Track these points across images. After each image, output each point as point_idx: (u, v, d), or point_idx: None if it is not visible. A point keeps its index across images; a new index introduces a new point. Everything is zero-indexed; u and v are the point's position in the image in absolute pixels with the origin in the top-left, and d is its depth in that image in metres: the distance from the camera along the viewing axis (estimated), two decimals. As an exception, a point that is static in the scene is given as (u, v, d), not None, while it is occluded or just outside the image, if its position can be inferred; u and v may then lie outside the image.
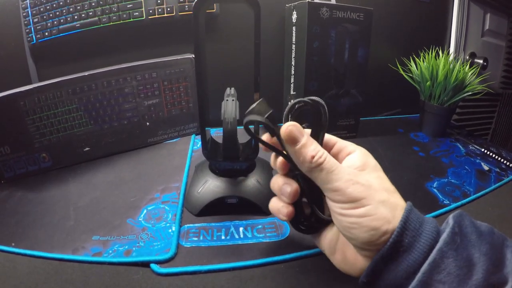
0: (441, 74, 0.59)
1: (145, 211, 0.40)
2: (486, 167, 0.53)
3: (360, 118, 0.63)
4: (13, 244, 0.34)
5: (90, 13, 0.58)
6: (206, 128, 0.40)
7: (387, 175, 0.26)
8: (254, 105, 0.25)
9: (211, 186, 0.39)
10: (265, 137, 0.27)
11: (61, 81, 0.49)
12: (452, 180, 0.48)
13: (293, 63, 0.61)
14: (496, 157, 0.56)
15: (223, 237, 0.36)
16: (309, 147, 0.25)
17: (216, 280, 0.30)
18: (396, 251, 0.22)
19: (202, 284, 0.29)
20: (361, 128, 0.64)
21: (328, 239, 0.28)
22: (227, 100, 0.38)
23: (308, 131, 0.27)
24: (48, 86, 0.48)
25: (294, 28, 0.58)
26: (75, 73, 0.51)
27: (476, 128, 0.94)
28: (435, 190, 0.46)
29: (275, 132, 0.26)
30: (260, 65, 0.36)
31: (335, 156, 0.28)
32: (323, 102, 0.25)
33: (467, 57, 0.80)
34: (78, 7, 0.58)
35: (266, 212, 0.39)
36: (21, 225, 0.37)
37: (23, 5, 0.58)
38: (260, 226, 0.37)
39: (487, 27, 0.83)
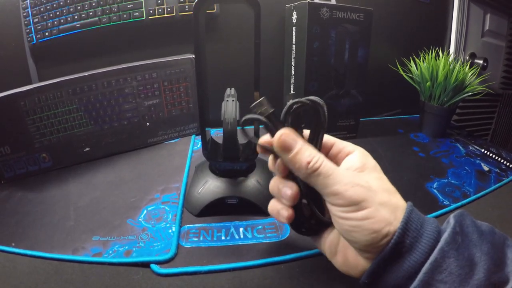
0: (441, 74, 0.59)
1: (145, 211, 0.40)
2: (486, 168, 0.53)
3: (360, 119, 0.63)
4: (13, 244, 0.34)
5: (90, 13, 0.58)
6: (206, 129, 0.40)
7: (387, 175, 0.26)
8: (254, 103, 0.25)
9: (211, 186, 0.39)
10: (265, 138, 0.27)
11: (61, 81, 0.49)
12: (452, 181, 0.48)
13: (293, 63, 0.61)
14: (496, 157, 0.56)
15: (223, 238, 0.36)
16: (304, 154, 0.24)
17: (216, 280, 0.30)
18: (398, 252, 0.22)
19: (202, 285, 0.29)
20: (361, 129, 0.64)
21: (328, 241, 0.27)
22: (227, 100, 0.38)
23: (307, 132, 0.27)
24: (48, 86, 0.48)
25: (294, 29, 0.58)
26: (75, 73, 0.51)
27: (476, 128, 0.94)
28: (435, 190, 0.46)
29: (275, 132, 0.25)
30: (260, 64, 0.36)
31: (334, 157, 0.28)
32: (322, 102, 0.25)
33: (467, 58, 0.80)
34: (78, 7, 0.58)
35: (266, 213, 0.38)
36: (21, 225, 0.37)
37: (23, 5, 0.58)
38: (260, 227, 0.37)
39: (487, 27, 0.83)
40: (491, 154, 0.57)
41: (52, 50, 0.61)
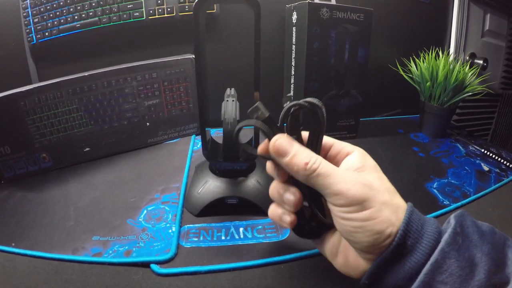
0: (441, 74, 0.59)
1: (145, 211, 0.40)
2: (486, 168, 0.53)
3: (360, 119, 0.63)
4: (13, 244, 0.34)
5: (91, 13, 0.58)
6: (206, 129, 0.40)
7: (387, 175, 0.26)
8: (250, 109, 0.24)
9: (211, 186, 0.39)
10: (263, 146, 0.26)
11: (61, 81, 0.49)
12: (452, 181, 0.48)
13: (293, 63, 0.61)
14: (496, 157, 0.56)
15: (223, 238, 0.36)
16: (301, 156, 0.24)
17: (216, 280, 0.30)
18: (399, 254, 0.22)
19: (202, 285, 0.29)
20: (361, 129, 0.64)
21: (329, 243, 0.27)
22: (227, 100, 0.38)
23: (306, 134, 0.26)
24: (48, 86, 0.48)
25: (294, 29, 0.58)
26: (75, 73, 0.51)
27: (476, 128, 0.94)
28: (435, 190, 0.46)
29: (272, 137, 0.25)
30: (260, 65, 0.36)
31: (333, 158, 0.27)
32: (320, 104, 0.24)
33: (467, 58, 0.80)
34: (78, 7, 0.58)
35: (266, 213, 0.38)
36: (21, 225, 0.37)
37: (24, 5, 0.58)
38: (260, 227, 0.37)
39: (487, 27, 0.83)
40: (491, 154, 0.57)
41: (52, 50, 0.61)
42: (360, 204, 0.22)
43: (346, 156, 0.27)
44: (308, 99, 0.24)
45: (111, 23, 0.59)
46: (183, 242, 0.35)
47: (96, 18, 0.58)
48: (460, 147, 0.61)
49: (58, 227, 0.37)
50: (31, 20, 0.59)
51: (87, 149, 0.53)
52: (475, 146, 0.61)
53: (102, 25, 0.59)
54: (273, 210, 0.28)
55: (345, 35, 0.56)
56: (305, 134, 0.26)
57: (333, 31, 0.55)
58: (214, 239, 0.35)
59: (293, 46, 0.60)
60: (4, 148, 0.47)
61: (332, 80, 0.58)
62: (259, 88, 0.37)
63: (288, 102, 0.25)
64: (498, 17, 0.84)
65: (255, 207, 0.38)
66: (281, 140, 0.24)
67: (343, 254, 0.26)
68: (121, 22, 0.59)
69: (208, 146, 0.40)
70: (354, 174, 0.24)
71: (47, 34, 0.59)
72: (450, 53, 0.78)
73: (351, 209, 0.23)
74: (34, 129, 0.48)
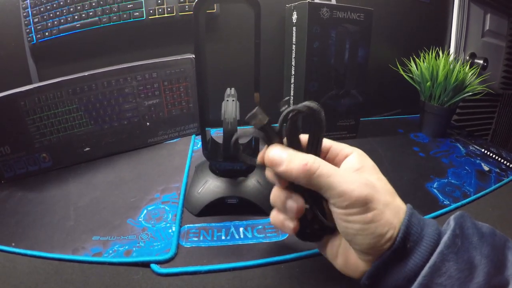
0: (441, 74, 0.59)
1: (145, 211, 0.40)
2: (486, 168, 0.53)
3: (360, 119, 0.63)
4: (13, 244, 0.34)
5: (91, 13, 0.58)
6: (206, 129, 0.40)
7: (387, 175, 0.26)
8: (249, 114, 0.24)
9: (211, 186, 0.39)
10: (262, 155, 0.26)
11: (61, 81, 0.49)
12: (452, 181, 0.48)
13: (293, 63, 0.61)
14: (496, 157, 0.56)
15: (223, 237, 0.36)
16: (296, 160, 0.24)
17: (216, 280, 0.30)
18: (398, 256, 0.22)
19: (202, 284, 0.29)
20: (361, 129, 0.64)
21: (330, 244, 0.27)
22: (227, 100, 0.38)
23: (305, 137, 0.26)
24: (48, 86, 0.48)
25: (294, 29, 0.58)
26: (75, 73, 0.51)
27: (476, 128, 0.94)
28: (435, 190, 0.46)
29: (271, 144, 0.25)
30: (260, 65, 0.36)
31: (332, 160, 0.27)
32: (319, 108, 0.24)
33: (467, 58, 0.80)
34: (79, 7, 0.58)
35: (266, 213, 0.39)
36: (21, 225, 0.37)
37: (24, 5, 0.58)
38: (260, 227, 0.37)
39: (487, 27, 0.83)
40: (491, 154, 0.57)
41: (52, 50, 0.61)
42: (364, 206, 0.22)
43: (345, 158, 0.27)
44: (306, 103, 0.24)
45: (111, 23, 0.59)
46: (183, 242, 0.35)
47: (96, 18, 0.58)
48: (460, 147, 0.61)
49: (58, 227, 0.37)
50: (31, 20, 0.58)
51: (87, 149, 0.53)
52: (475, 146, 0.61)
53: (102, 25, 0.59)
54: (275, 216, 0.27)
55: (345, 35, 0.56)
56: (304, 138, 0.26)
57: (333, 31, 0.55)
58: (214, 239, 0.35)
59: (293, 46, 0.60)
60: (4, 148, 0.47)
61: (332, 80, 0.58)
62: (259, 89, 0.37)
63: (285, 106, 0.24)
64: (498, 17, 0.84)
65: (255, 207, 0.38)
66: (273, 152, 0.24)
67: (343, 255, 0.26)
68: (121, 22, 0.59)
69: (208, 146, 0.40)
70: (356, 175, 0.24)
71: (47, 34, 0.59)
72: (450, 53, 0.78)
73: (354, 210, 0.22)
74: (34, 129, 0.48)
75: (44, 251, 0.33)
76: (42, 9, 0.58)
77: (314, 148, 0.25)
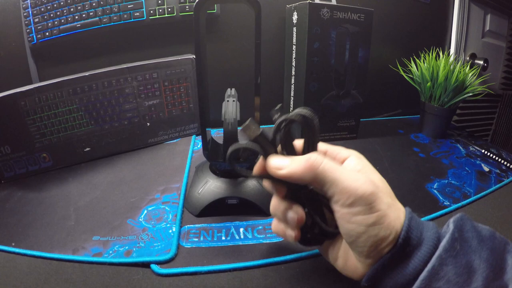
0: (441, 75, 0.59)
1: (145, 211, 0.40)
2: (486, 168, 0.53)
3: (361, 119, 0.63)
4: (13, 244, 0.34)
5: (91, 13, 0.58)
6: (207, 129, 0.40)
7: (387, 176, 0.26)
8: (242, 126, 0.24)
9: (211, 186, 0.39)
10: (258, 168, 0.26)
11: (61, 81, 0.49)
12: (452, 181, 0.48)
13: (293, 63, 0.61)
14: (497, 158, 0.56)
15: (223, 238, 0.36)
16: (299, 159, 0.24)
17: (216, 280, 0.30)
18: (397, 260, 0.22)
19: (203, 285, 0.29)
20: (362, 129, 0.64)
21: (330, 247, 0.28)
22: (227, 100, 0.38)
23: (299, 142, 0.26)
24: (48, 86, 0.48)
25: (294, 29, 0.58)
26: (75, 73, 0.51)
27: (477, 129, 0.94)
28: (435, 191, 0.46)
29: (266, 156, 0.25)
30: (261, 67, 0.36)
31: None
32: (312, 115, 0.24)
33: (468, 58, 0.80)
34: (79, 7, 0.58)
35: (267, 213, 0.39)
36: (21, 225, 0.37)
37: (24, 5, 0.58)
38: (260, 227, 0.37)
39: (487, 28, 0.83)
40: (491, 155, 0.57)
41: (52, 50, 0.61)
42: (368, 204, 0.22)
43: (343, 161, 0.27)
44: (299, 110, 0.24)
45: (112, 23, 0.59)
46: (183, 242, 0.35)
47: (97, 18, 0.58)
48: (461, 148, 0.61)
49: (58, 227, 0.37)
50: (31, 20, 0.59)
51: (88, 149, 0.53)
52: (476, 147, 0.61)
53: (102, 25, 0.59)
54: (276, 225, 0.28)
55: (346, 36, 0.56)
56: (299, 143, 0.26)
57: (334, 32, 0.55)
58: (215, 240, 0.35)
59: (294, 46, 0.60)
60: (4, 148, 0.47)
61: (333, 81, 0.58)
62: (259, 93, 0.37)
63: (278, 114, 0.24)
64: (498, 17, 0.84)
65: (255, 207, 0.38)
66: (274, 159, 0.25)
67: (343, 258, 0.26)
68: (122, 22, 0.59)
69: (209, 146, 0.40)
70: (361, 173, 0.24)
71: (47, 34, 0.59)
72: (451, 53, 0.78)
73: (358, 209, 0.22)
74: (34, 129, 0.48)
75: (44, 251, 0.33)
76: (42, 9, 0.58)
77: (309, 151, 0.25)
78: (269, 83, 0.68)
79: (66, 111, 0.50)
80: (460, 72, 0.59)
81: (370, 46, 0.58)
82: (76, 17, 0.58)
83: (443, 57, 0.62)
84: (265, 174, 0.26)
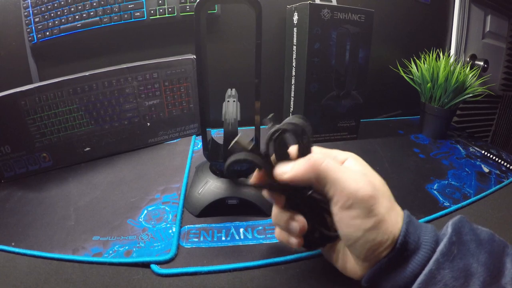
0: (441, 76, 0.59)
1: (145, 211, 0.40)
2: (486, 169, 0.53)
3: (361, 120, 0.63)
4: (13, 244, 0.34)
5: (91, 13, 0.58)
6: (207, 129, 0.40)
7: (387, 176, 0.26)
8: (231, 144, 0.25)
9: (211, 187, 0.39)
10: (255, 178, 0.27)
11: (62, 81, 0.49)
12: (452, 182, 0.48)
13: (294, 64, 0.61)
14: (497, 159, 0.56)
15: (223, 238, 0.36)
16: (300, 160, 0.24)
17: (216, 281, 0.30)
18: (394, 264, 0.22)
19: (203, 285, 0.29)
20: (362, 130, 0.64)
21: (331, 249, 0.28)
22: (228, 101, 0.38)
23: (294, 149, 0.26)
24: (49, 86, 0.48)
25: (295, 29, 0.58)
26: (76, 73, 0.51)
27: (477, 130, 0.94)
28: (435, 192, 0.46)
29: (262, 166, 0.25)
30: (261, 69, 0.35)
31: None
32: (304, 122, 0.24)
33: (468, 59, 0.80)
34: (79, 7, 0.58)
35: (267, 213, 0.39)
36: (21, 225, 0.37)
37: (24, 5, 0.58)
38: (260, 227, 0.37)
39: (487, 29, 0.83)
40: (491, 156, 0.57)
41: (53, 50, 0.61)
42: (367, 207, 0.22)
43: (341, 164, 0.27)
44: (290, 119, 0.24)
45: (112, 23, 0.59)
46: (183, 243, 0.35)
47: (97, 18, 0.58)
48: (461, 149, 0.61)
49: (58, 227, 0.37)
50: (32, 20, 0.59)
51: (88, 149, 0.53)
52: (476, 148, 0.61)
53: (103, 25, 0.59)
54: (280, 233, 0.28)
55: (346, 36, 0.56)
56: (293, 150, 0.26)
57: (334, 32, 0.55)
58: (215, 240, 0.35)
59: (294, 47, 0.60)
60: (4, 148, 0.47)
61: (333, 81, 0.58)
62: (259, 97, 0.36)
63: (270, 124, 0.25)
64: (498, 18, 0.84)
65: (255, 207, 0.38)
66: (277, 168, 0.25)
67: (342, 259, 0.27)
68: (122, 22, 0.59)
69: (209, 147, 0.40)
70: (361, 174, 0.24)
71: (48, 33, 0.59)
72: (451, 54, 0.78)
73: (357, 212, 0.22)
74: (34, 128, 0.48)
75: (44, 251, 0.33)
76: (43, 9, 0.58)
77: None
78: (269, 84, 0.68)
79: (66, 111, 0.50)
80: (460, 73, 0.59)
81: (371, 47, 0.58)
82: (77, 17, 0.58)
83: (443, 58, 0.62)
84: (262, 184, 0.26)
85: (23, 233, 0.36)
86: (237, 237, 0.36)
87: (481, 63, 0.77)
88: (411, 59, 0.66)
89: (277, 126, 0.24)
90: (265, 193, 0.27)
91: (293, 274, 0.31)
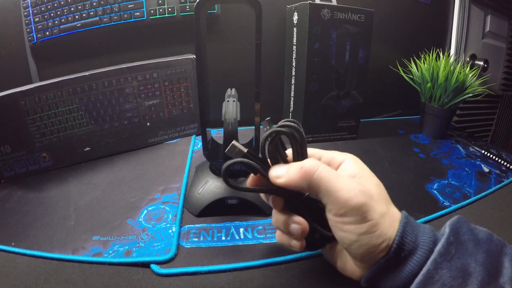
0: (441, 75, 0.59)
1: (145, 211, 0.40)
2: (486, 169, 0.53)
3: (361, 120, 0.63)
4: (13, 244, 0.34)
5: (91, 13, 0.58)
6: (207, 129, 0.40)
7: (387, 176, 0.26)
8: (227, 149, 0.25)
9: (211, 186, 0.39)
10: (250, 179, 0.27)
11: (61, 80, 0.49)
12: (452, 182, 0.48)
13: (294, 64, 0.61)
14: (496, 158, 0.56)
15: (223, 238, 0.36)
16: (295, 165, 0.24)
17: (216, 280, 0.30)
18: (392, 265, 0.22)
19: (203, 285, 0.29)
20: (362, 130, 0.64)
21: (330, 249, 0.28)
22: (228, 101, 0.38)
23: (289, 151, 0.26)
24: (48, 86, 0.48)
25: (295, 29, 0.58)
26: (76, 72, 0.51)
27: (477, 130, 0.94)
28: (435, 191, 0.46)
29: (257, 170, 0.25)
30: (261, 70, 0.35)
31: None
32: (295, 125, 0.25)
33: (468, 59, 0.80)
34: (79, 7, 0.58)
35: (267, 213, 0.39)
36: (21, 225, 0.37)
37: (24, 5, 0.58)
38: (260, 227, 0.37)
39: (487, 28, 0.83)
40: (491, 155, 0.57)
41: (52, 50, 0.61)
42: (360, 215, 0.22)
43: (338, 166, 0.27)
44: (282, 123, 0.25)
45: (112, 23, 0.59)
46: (183, 243, 0.35)
47: (97, 18, 0.58)
48: (461, 148, 0.61)
49: (58, 227, 0.37)
50: (31, 20, 0.59)
51: (88, 148, 0.53)
52: (476, 147, 0.61)
53: (103, 25, 0.59)
54: (280, 236, 0.28)
55: (346, 36, 0.56)
56: (288, 152, 0.26)
57: (334, 32, 0.55)
58: (215, 240, 0.35)
59: (294, 47, 0.60)
60: (4, 147, 0.47)
61: (333, 81, 0.58)
62: (259, 99, 0.36)
63: (267, 128, 0.25)
64: (498, 18, 0.84)
65: (255, 207, 0.38)
66: (273, 170, 0.25)
67: (341, 260, 0.27)
68: (122, 22, 0.59)
69: (209, 146, 0.40)
70: (354, 182, 0.24)
71: (47, 33, 0.59)
72: (451, 54, 0.78)
73: (350, 219, 0.22)
74: (34, 128, 0.48)
75: (44, 251, 0.33)
76: (42, 9, 0.58)
77: (300, 159, 0.26)
78: (269, 84, 0.68)
79: (66, 110, 0.50)
80: (460, 72, 0.59)
81: (371, 47, 0.58)
82: (77, 17, 0.58)
83: (443, 58, 0.62)
84: (259, 188, 0.27)
85: (23, 233, 0.36)
86: (237, 237, 0.36)
87: (481, 63, 0.77)
88: (411, 59, 0.66)
89: (271, 129, 0.24)
90: (263, 196, 0.28)
91: (293, 274, 0.31)
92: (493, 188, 0.46)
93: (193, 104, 0.60)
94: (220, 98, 0.40)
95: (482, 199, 0.44)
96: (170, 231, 0.36)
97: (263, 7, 0.33)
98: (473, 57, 0.81)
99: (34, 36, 0.59)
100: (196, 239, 0.35)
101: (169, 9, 0.59)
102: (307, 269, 0.31)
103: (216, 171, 0.41)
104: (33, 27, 0.59)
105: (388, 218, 0.23)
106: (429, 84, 0.61)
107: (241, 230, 0.37)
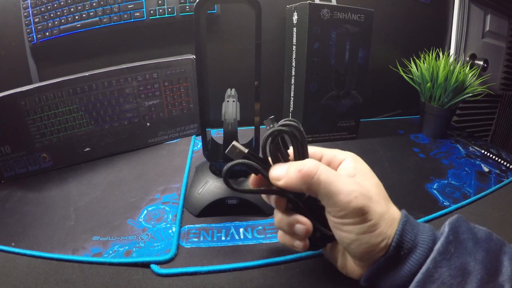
0: (441, 75, 0.59)
1: (145, 211, 0.40)
2: (486, 169, 0.53)
3: (361, 119, 0.63)
4: (13, 244, 0.34)
5: (91, 14, 0.58)
6: (207, 129, 0.40)
7: (387, 176, 0.26)
8: (227, 149, 0.25)
9: (211, 187, 0.39)
10: (251, 179, 0.27)
11: (61, 81, 0.49)
12: (452, 182, 0.48)
13: (293, 64, 0.61)
14: (496, 158, 0.56)
15: (223, 238, 0.36)
16: (294, 167, 0.24)
17: (216, 281, 0.30)
18: (391, 264, 0.22)
19: (202, 285, 0.29)
20: (362, 129, 0.64)
21: (331, 249, 0.28)
22: (227, 101, 0.38)
23: (290, 151, 0.26)
24: (48, 86, 0.48)
25: (294, 29, 0.58)
26: (75, 73, 0.51)
27: (476, 129, 0.94)
28: (435, 191, 0.46)
29: (259, 171, 0.25)
30: (261, 70, 0.35)
31: None
32: (296, 124, 0.25)
33: (468, 59, 0.80)
34: (79, 7, 0.58)
35: (267, 213, 0.39)
36: (21, 225, 0.37)
37: (24, 5, 0.58)
38: (260, 227, 0.37)
39: (487, 28, 0.83)
40: (491, 155, 0.57)
41: (52, 50, 0.61)
42: (359, 216, 0.22)
43: (339, 164, 0.27)
44: (282, 122, 0.25)
45: (112, 23, 0.59)
46: (183, 243, 0.35)
47: (97, 18, 0.58)
48: (460, 148, 0.61)
49: (58, 227, 0.37)
50: (31, 20, 0.59)
51: (88, 149, 0.53)
52: (475, 147, 0.61)
53: (102, 25, 0.59)
54: (283, 236, 0.28)
55: (346, 36, 0.56)
56: (289, 152, 0.26)
57: (334, 32, 0.55)
58: (214, 240, 0.35)
59: (294, 47, 0.60)
60: (4, 148, 0.47)
61: (333, 81, 0.58)
62: (259, 99, 0.36)
63: (270, 126, 0.25)
64: (498, 18, 0.84)
65: (255, 207, 0.38)
66: (273, 170, 0.25)
67: (341, 259, 0.27)
68: (122, 22, 0.59)
69: (209, 147, 0.40)
70: (354, 183, 0.24)
71: (47, 34, 0.59)
72: (451, 54, 0.78)
73: (349, 220, 0.23)
74: (34, 128, 0.48)
75: (44, 251, 0.33)
76: (42, 9, 0.58)
77: (301, 158, 0.26)
78: (269, 84, 0.68)
79: (66, 111, 0.50)
80: (460, 72, 0.59)
81: (370, 47, 0.58)
82: (76, 17, 0.58)
83: (443, 58, 0.62)
84: (260, 189, 0.27)
85: (23, 233, 0.36)
86: (237, 237, 0.36)
87: (481, 63, 0.77)
88: (411, 58, 0.66)
89: (272, 129, 0.24)
90: (264, 196, 0.28)
91: (293, 274, 0.31)
92: (493, 188, 0.46)
93: (193, 104, 0.60)
94: (220, 98, 0.40)
95: (482, 199, 0.44)
96: (170, 231, 0.36)
97: (263, 7, 0.33)
98: (473, 56, 0.81)
99: (34, 36, 0.59)
100: (196, 239, 0.35)
101: (169, 9, 0.59)
102: (307, 269, 0.31)
103: (216, 171, 0.41)
104: (33, 28, 0.59)
105: (388, 217, 0.23)
106: (429, 84, 0.61)
107: (241, 230, 0.37)
